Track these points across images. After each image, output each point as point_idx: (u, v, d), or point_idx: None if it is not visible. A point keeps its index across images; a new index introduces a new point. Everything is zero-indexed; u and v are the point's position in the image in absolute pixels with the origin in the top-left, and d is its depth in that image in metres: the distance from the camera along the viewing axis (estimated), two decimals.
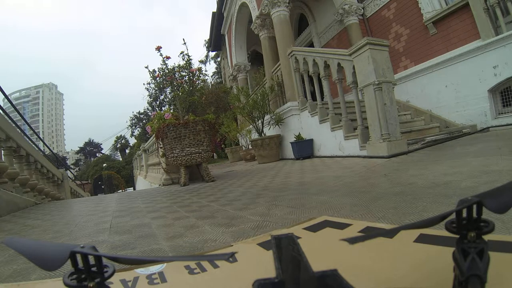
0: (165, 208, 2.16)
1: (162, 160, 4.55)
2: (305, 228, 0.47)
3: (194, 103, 4.17)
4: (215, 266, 0.36)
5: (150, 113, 24.60)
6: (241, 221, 1.45)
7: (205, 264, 0.36)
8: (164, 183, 4.41)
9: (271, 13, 5.63)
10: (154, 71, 4.31)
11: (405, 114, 4.81)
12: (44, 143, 7.87)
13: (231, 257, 0.21)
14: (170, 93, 4.54)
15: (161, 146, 4.02)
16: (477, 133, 3.74)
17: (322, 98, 4.83)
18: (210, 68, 24.50)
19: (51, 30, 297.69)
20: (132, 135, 30.79)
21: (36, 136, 6.39)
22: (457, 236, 0.22)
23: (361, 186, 1.94)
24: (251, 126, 6.26)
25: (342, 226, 0.46)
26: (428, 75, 4.64)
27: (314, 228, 0.47)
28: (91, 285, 0.20)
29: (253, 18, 6.60)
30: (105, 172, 29.66)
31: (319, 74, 4.47)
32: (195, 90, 4.17)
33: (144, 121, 27.09)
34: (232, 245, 0.49)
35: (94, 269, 0.21)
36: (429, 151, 3.05)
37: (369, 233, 0.22)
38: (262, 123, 5.80)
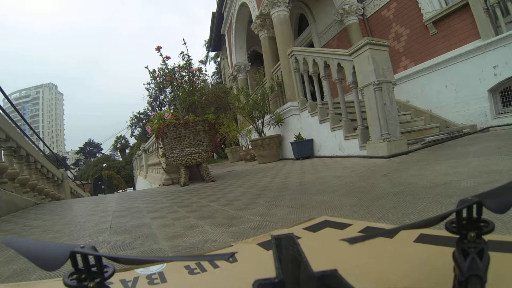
0: (165, 208, 2.16)
1: (162, 160, 4.55)
2: (305, 228, 0.47)
3: (194, 103, 4.17)
4: (215, 266, 0.36)
5: (150, 113, 24.60)
6: (241, 221, 1.45)
7: (205, 264, 0.36)
8: (164, 183, 4.41)
9: (271, 13, 5.63)
10: (154, 71, 4.31)
11: (405, 114, 4.81)
12: (44, 143, 7.87)
13: (231, 257, 0.21)
14: (170, 93, 4.54)
15: (161, 146, 4.02)
16: (477, 133, 3.74)
17: (322, 98, 4.83)
18: (210, 68, 24.49)
19: (51, 30, 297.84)
20: (132, 135, 30.81)
21: (36, 136, 6.39)
22: (457, 236, 0.22)
23: (361, 186, 1.94)
24: (251, 126, 6.26)
25: (342, 226, 0.46)
26: (428, 75, 4.64)
27: (314, 228, 0.47)
28: (91, 285, 0.20)
29: (253, 18, 6.60)
30: (105, 172, 29.63)
31: (319, 74, 4.47)
32: (195, 90, 4.17)
33: (144, 121, 27.09)
34: (232, 245, 0.49)
35: (94, 269, 0.21)
36: (429, 151, 3.05)
37: (369, 233, 0.22)
38: (262, 123, 5.80)
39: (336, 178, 2.38)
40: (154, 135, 4.32)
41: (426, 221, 0.21)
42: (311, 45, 7.58)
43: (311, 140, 4.76)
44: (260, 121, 5.80)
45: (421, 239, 0.34)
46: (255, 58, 10.12)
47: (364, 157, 3.43)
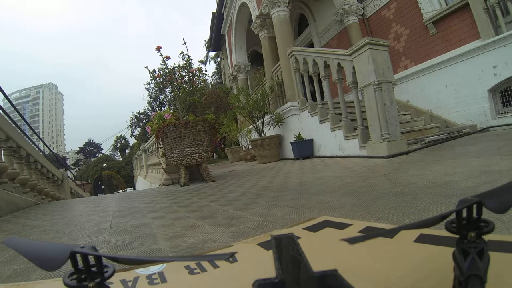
0: (165, 208, 2.16)
1: (162, 160, 4.55)
2: (305, 228, 0.47)
3: (194, 103, 4.17)
4: (215, 266, 0.36)
5: (150, 113, 24.61)
6: (241, 221, 1.45)
7: (205, 264, 0.36)
8: (164, 183, 4.41)
9: (271, 13, 5.63)
10: (154, 71, 4.31)
11: (405, 114, 4.81)
12: (44, 143, 7.87)
13: (231, 257, 0.21)
14: (170, 93, 4.54)
15: (161, 146, 4.02)
16: (477, 133, 3.74)
17: (322, 98, 4.83)
18: (210, 68, 24.48)
19: (51, 30, 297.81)
20: (132, 135, 30.81)
21: (36, 136, 6.39)
22: (457, 236, 0.22)
23: (361, 186, 1.94)
24: (251, 126, 6.26)
25: (342, 226, 0.46)
26: (428, 75, 4.64)
27: (314, 228, 0.47)
28: (91, 285, 0.20)
29: (253, 18, 6.60)
30: (105, 172, 29.65)
31: (319, 74, 4.47)
32: (195, 90, 4.17)
33: (144, 121, 27.10)
34: (232, 245, 0.49)
35: (94, 269, 0.21)
36: (429, 151, 3.05)
37: (369, 233, 0.22)
38: (262, 123, 5.80)
39: (336, 178, 2.38)
40: (154, 135, 4.32)
41: (426, 221, 0.21)
42: (311, 45, 7.58)
43: (311, 140, 4.76)
44: (260, 121, 5.80)
45: (421, 239, 0.34)
46: (255, 58, 10.12)
47: (364, 157, 3.43)
